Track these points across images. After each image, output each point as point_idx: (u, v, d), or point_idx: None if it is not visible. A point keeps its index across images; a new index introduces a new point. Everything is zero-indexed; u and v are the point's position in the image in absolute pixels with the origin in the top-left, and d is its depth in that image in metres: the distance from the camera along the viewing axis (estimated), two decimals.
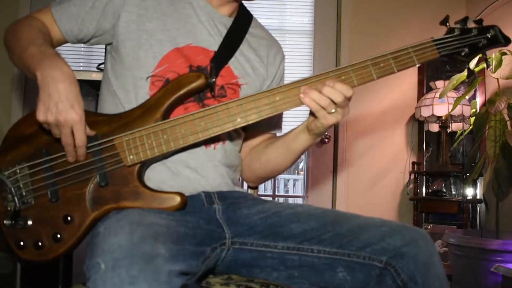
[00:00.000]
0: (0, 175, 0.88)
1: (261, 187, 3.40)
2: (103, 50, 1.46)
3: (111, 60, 1.03)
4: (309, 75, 0.92)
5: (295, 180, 4.79)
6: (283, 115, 1.17)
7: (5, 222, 0.87)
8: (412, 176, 2.54)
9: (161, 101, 0.92)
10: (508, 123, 1.94)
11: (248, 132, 1.14)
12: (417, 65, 0.93)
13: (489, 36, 0.93)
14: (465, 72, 1.83)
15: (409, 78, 2.66)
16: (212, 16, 1.05)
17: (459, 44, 0.94)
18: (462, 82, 2.11)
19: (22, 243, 0.87)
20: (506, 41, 0.94)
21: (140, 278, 0.65)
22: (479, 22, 0.94)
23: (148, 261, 0.68)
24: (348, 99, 0.90)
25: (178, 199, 0.88)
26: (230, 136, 1.04)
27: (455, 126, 2.50)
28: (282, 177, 4.47)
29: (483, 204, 2.32)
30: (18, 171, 0.89)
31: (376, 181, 2.64)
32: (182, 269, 0.73)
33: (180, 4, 1.03)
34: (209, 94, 0.99)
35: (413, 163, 2.56)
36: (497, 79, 1.92)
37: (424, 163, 2.62)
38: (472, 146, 2.09)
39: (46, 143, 0.89)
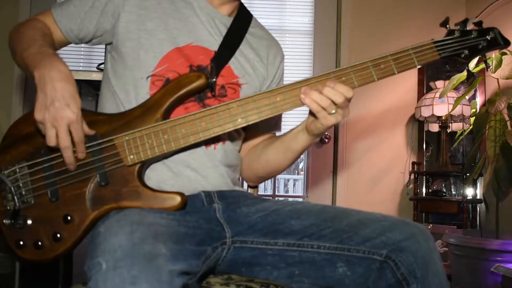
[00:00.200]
0: (0, 174, 0.88)
1: (261, 187, 3.40)
2: (103, 50, 1.46)
3: (111, 60, 1.03)
4: (310, 76, 0.92)
5: (295, 180, 4.80)
6: (283, 115, 1.17)
7: (4, 221, 0.87)
8: (412, 176, 2.54)
9: (161, 101, 0.92)
10: (508, 123, 1.94)
11: (248, 132, 1.14)
12: (417, 67, 0.94)
13: (489, 38, 0.94)
14: (465, 72, 1.83)
15: (409, 78, 2.66)
16: (212, 16, 1.05)
17: (459, 46, 0.94)
18: (462, 82, 2.11)
19: (21, 243, 0.87)
20: (505, 43, 0.95)
21: (141, 278, 0.65)
22: (479, 24, 0.95)
23: (149, 261, 0.68)
24: (349, 100, 0.90)
25: (178, 199, 0.88)
26: (230, 136, 1.04)
27: (455, 126, 2.50)
28: (282, 177, 4.48)
29: (483, 204, 2.32)
30: (17, 170, 0.89)
31: (376, 181, 2.64)
32: (183, 269, 0.73)
33: (181, 3, 1.03)
34: (209, 94, 0.99)
35: (413, 163, 2.56)
36: (497, 79, 1.92)
37: (424, 163, 2.62)
38: (472, 146, 2.09)
39: (45, 143, 0.89)
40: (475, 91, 2.50)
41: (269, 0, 2.72)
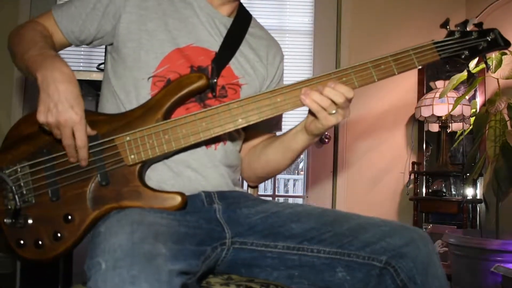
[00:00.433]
0: (1, 173, 0.88)
1: (261, 187, 3.40)
2: (103, 50, 1.46)
3: (111, 60, 1.03)
4: (310, 76, 0.92)
5: (295, 180, 4.79)
6: (283, 115, 1.17)
7: (5, 220, 0.87)
8: (412, 176, 2.54)
9: (162, 101, 0.92)
10: (508, 123, 1.94)
11: (248, 132, 1.14)
12: (418, 67, 0.94)
13: (489, 39, 0.94)
14: (465, 72, 1.83)
15: (409, 78, 2.66)
16: (212, 16, 1.05)
17: (459, 47, 0.94)
18: (462, 82, 2.11)
19: (22, 242, 0.87)
20: (505, 44, 0.95)
21: (141, 277, 0.65)
22: (479, 25, 0.95)
23: (148, 260, 0.68)
24: (349, 100, 0.90)
25: (178, 199, 0.88)
26: (230, 136, 1.04)
27: (455, 126, 2.50)
28: (282, 177, 4.48)
29: (483, 204, 2.32)
30: (19, 170, 0.89)
31: (376, 181, 2.64)
32: (183, 269, 0.73)
33: (181, 4, 1.04)
34: (210, 94, 1.00)
35: (413, 163, 2.56)
36: (497, 79, 1.93)
37: (424, 163, 2.62)
38: (472, 146, 2.09)
39: (47, 142, 0.90)
40: (475, 91, 2.50)
41: (269, 0, 2.72)
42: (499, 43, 0.95)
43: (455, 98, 2.21)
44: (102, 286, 0.65)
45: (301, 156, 2.75)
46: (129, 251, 0.68)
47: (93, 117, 0.90)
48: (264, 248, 0.94)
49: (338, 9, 2.69)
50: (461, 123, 2.45)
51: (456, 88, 2.23)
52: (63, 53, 1.02)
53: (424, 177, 2.57)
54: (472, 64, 1.89)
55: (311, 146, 1.05)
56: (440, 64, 2.62)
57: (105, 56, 1.13)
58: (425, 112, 2.36)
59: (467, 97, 2.25)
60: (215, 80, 0.99)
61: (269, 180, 2.91)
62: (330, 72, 0.92)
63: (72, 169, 0.88)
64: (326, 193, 2.65)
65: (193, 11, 1.04)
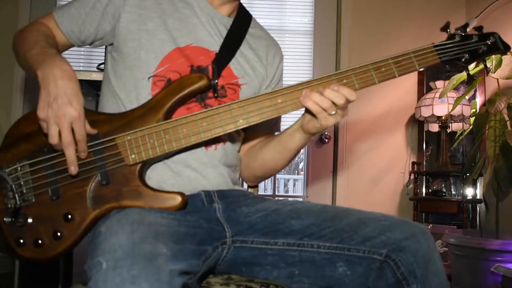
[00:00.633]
0: (1, 172, 0.88)
1: (261, 187, 3.40)
2: (103, 50, 1.46)
3: (111, 60, 1.04)
4: (310, 76, 0.92)
5: (295, 180, 4.79)
6: (282, 116, 1.18)
7: (5, 219, 0.87)
8: (412, 176, 2.54)
9: (163, 101, 0.92)
10: (508, 123, 1.94)
11: (247, 132, 1.15)
12: (418, 70, 0.95)
13: (489, 43, 0.95)
14: (465, 72, 1.83)
15: (409, 78, 2.66)
16: (212, 16, 1.05)
17: (460, 50, 0.95)
18: (462, 82, 2.11)
19: (21, 241, 0.87)
20: (505, 48, 0.96)
21: (141, 277, 0.65)
22: (479, 29, 0.96)
23: (149, 260, 0.68)
24: (349, 102, 0.91)
25: (179, 199, 0.88)
26: (230, 136, 1.04)
27: (455, 126, 2.50)
28: (282, 177, 4.48)
29: (483, 204, 2.32)
30: (19, 168, 0.89)
31: (376, 181, 2.64)
32: (183, 269, 0.73)
33: (180, 4, 1.04)
34: (210, 94, 1.00)
35: (413, 163, 2.56)
36: (497, 79, 1.93)
37: (424, 163, 2.62)
38: (472, 146, 2.09)
39: (47, 141, 0.89)
40: (475, 91, 2.50)
41: (269, 0, 2.72)
42: (499, 47, 0.96)
43: (455, 98, 2.21)
44: (103, 286, 0.65)
45: (301, 156, 2.75)
46: (129, 251, 0.68)
47: (93, 116, 0.90)
48: (265, 245, 0.94)
49: (338, 9, 2.69)
50: (461, 123, 2.45)
51: (456, 88, 2.23)
52: (63, 53, 1.03)
53: (424, 177, 2.58)
54: (472, 64, 1.89)
55: (311, 146, 1.05)
56: (440, 65, 2.62)
57: (105, 56, 1.13)
58: (425, 112, 2.36)
59: (467, 97, 2.25)
60: (216, 81, 1.00)
61: (269, 180, 2.91)
62: (330, 74, 0.92)
63: None
64: (326, 193, 2.65)
65: (193, 11, 1.04)
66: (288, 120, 2.37)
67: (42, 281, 1.72)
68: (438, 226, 2.41)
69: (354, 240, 0.89)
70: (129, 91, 0.98)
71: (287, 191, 4.75)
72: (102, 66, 1.89)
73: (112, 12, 0.99)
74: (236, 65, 1.06)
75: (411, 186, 2.56)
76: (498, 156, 1.90)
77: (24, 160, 0.90)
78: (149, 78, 0.97)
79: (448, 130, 2.46)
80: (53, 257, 0.87)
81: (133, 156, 0.89)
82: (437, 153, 2.56)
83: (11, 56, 1.03)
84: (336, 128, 2.63)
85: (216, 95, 1.00)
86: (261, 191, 3.30)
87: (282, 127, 1.18)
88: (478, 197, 2.35)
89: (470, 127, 2.23)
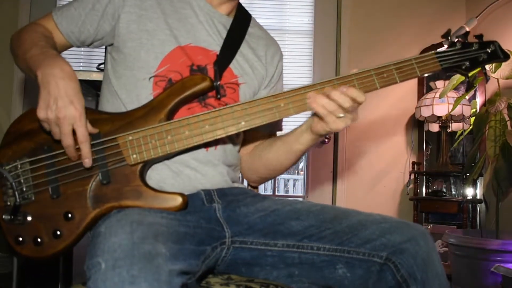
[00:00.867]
0: (1, 169, 0.88)
1: (261, 187, 3.39)
2: (103, 50, 1.46)
3: (111, 60, 1.03)
4: (310, 77, 0.93)
5: (295, 180, 4.80)
6: None
7: (4, 217, 0.86)
8: (412, 176, 2.54)
9: (165, 102, 0.92)
10: (508, 123, 1.94)
11: (249, 133, 1.14)
12: (420, 76, 0.96)
13: (489, 51, 0.96)
14: (466, 79, 1.83)
15: None
16: (211, 16, 1.05)
17: (460, 58, 0.96)
18: (462, 82, 2.11)
19: (21, 239, 0.87)
20: (505, 56, 0.97)
21: (141, 277, 0.65)
22: (479, 37, 0.98)
23: (148, 260, 0.68)
24: (358, 103, 0.90)
25: (179, 199, 0.88)
26: (230, 136, 1.04)
27: (455, 126, 2.50)
28: (282, 177, 4.48)
29: (483, 204, 2.32)
30: (19, 166, 0.89)
31: (376, 181, 2.64)
32: (183, 269, 0.73)
33: (180, 4, 1.04)
34: (211, 94, 1.00)
35: (413, 163, 2.57)
36: (497, 79, 1.93)
37: (424, 163, 2.62)
38: (472, 146, 2.09)
39: (48, 139, 0.89)
40: (475, 91, 2.50)
41: (269, 0, 2.72)
42: (499, 55, 0.96)
43: (455, 98, 2.21)
44: (102, 285, 0.65)
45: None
46: (129, 251, 0.68)
47: (95, 115, 0.90)
48: (264, 246, 0.94)
49: (338, 9, 2.69)
50: (461, 123, 2.45)
51: (456, 88, 2.24)
52: (63, 53, 1.03)
53: (424, 177, 2.58)
54: None
55: (313, 145, 1.06)
56: (441, 71, 2.62)
57: (105, 56, 1.13)
58: (425, 112, 2.36)
59: (467, 97, 2.25)
60: (219, 83, 1.00)
61: (269, 180, 2.91)
62: (332, 78, 0.92)
63: (73, 166, 0.88)
64: (326, 193, 2.65)
65: (192, 11, 1.04)
66: (290, 120, 2.37)
67: (42, 281, 1.72)
68: (438, 226, 2.41)
69: (354, 242, 0.88)
70: (129, 91, 0.98)
71: (287, 191, 4.75)
72: (102, 66, 1.89)
73: (112, 13, 0.99)
74: (235, 64, 1.06)
75: (411, 186, 2.56)
76: (498, 156, 1.90)
77: (24, 158, 0.89)
78: (150, 78, 0.97)
79: (448, 130, 2.46)
80: (52, 256, 0.87)
81: (134, 156, 0.89)
82: (437, 153, 2.56)
83: (11, 56, 1.02)
84: None
85: (219, 96, 1.00)
86: (261, 191, 3.29)
87: (285, 127, 1.18)
88: (478, 197, 2.35)
89: (470, 127, 2.23)
